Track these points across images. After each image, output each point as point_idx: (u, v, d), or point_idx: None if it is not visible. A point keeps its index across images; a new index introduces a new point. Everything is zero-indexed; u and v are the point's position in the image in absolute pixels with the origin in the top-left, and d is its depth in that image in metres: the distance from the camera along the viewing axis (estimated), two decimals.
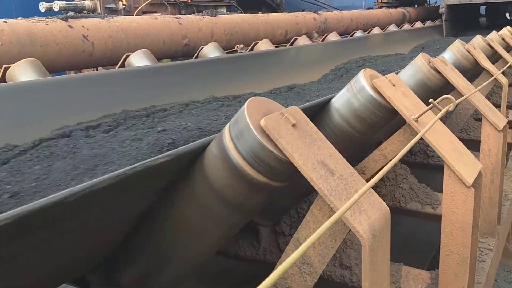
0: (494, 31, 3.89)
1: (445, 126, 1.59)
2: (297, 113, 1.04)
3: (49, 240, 0.74)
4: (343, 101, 1.63)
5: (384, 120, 1.61)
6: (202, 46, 3.74)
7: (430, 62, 2.16)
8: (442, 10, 7.97)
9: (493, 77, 2.31)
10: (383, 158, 1.67)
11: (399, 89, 1.63)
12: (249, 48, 4.24)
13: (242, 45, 4.30)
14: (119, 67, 3.24)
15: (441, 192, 1.46)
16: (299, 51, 4.14)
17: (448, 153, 1.43)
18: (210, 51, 3.71)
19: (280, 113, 0.98)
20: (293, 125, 1.00)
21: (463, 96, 2.17)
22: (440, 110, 1.51)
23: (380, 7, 11.98)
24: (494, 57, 3.67)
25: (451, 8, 8.07)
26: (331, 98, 1.73)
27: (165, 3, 8.83)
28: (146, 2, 8.42)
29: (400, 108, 1.51)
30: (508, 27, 4.57)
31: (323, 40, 5.60)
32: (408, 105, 1.55)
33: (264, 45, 4.23)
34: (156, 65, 2.77)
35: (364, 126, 1.58)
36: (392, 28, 7.36)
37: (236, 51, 4.32)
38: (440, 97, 1.56)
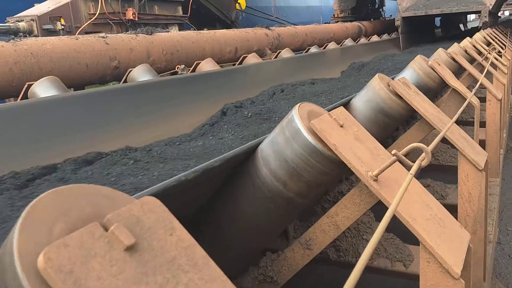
0: (455, 43, 3.57)
1: (418, 182, 1.12)
2: None
3: None
4: (272, 148, 1.15)
5: (330, 176, 1.13)
6: (130, 69, 3.21)
7: (389, 85, 1.72)
8: (397, 22, 7.78)
9: (467, 100, 1.90)
10: (334, 227, 1.19)
11: (350, 131, 1.16)
12: (191, 68, 3.74)
13: (183, 66, 3.81)
14: (21, 99, 2.66)
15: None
16: (245, 71, 3.68)
17: (425, 229, 0.96)
18: (140, 73, 3.18)
19: None
20: None
21: (430, 125, 1.76)
22: (408, 160, 1.04)
23: (337, 22, 11.83)
24: (459, 71, 3.33)
25: (406, 21, 7.90)
26: (259, 143, 1.24)
27: (110, 22, 8.23)
28: (89, 22, 7.81)
29: (351, 161, 1.04)
30: (468, 38, 4.29)
31: (275, 57, 5.19)
32: (362, 155, 1.08)
33: (207, 65, 3.74)
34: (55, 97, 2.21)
35: (300, 185, 1.10)
36: (348, 42, 7.07)
37: (176, 72, 3.82)
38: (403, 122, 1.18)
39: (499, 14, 17.05)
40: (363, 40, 7.68)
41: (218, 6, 10.61)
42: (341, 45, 6.91)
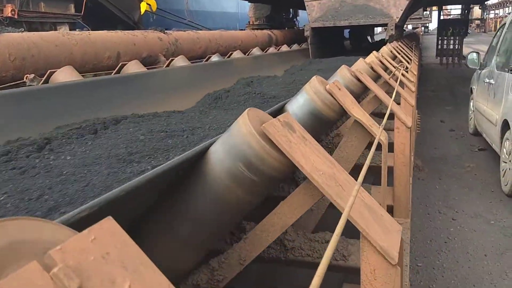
0: (361, 59, 3.15)
1: None
2: None
3: None
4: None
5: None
6: None
7: (263, 133, 1.15)
8: (307, 33, 7.48)
9: (376, 140, 1.38)
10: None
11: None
12: (43, 79, 2.92)
13: (33, 75, 2.98)
14: None
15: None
16: (114, 82, 2.94)
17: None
18: None
19: None
20: None
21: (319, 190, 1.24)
22: None
23: (252, 29, 11.41)
24: (365, 90, 2.91)
25: (316, 31, 7.63)
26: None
27: None
28: None
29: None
30: (375, 52, 3.96)
31: (167, 65, 4.49)
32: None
33: (64, 75, 2.95)
34: None
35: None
36: (256, 51, 6.58)
37: (25, 83, 2.98)
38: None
39: (403, 27, 17.88)
40: (272, 49, 7.26)
41: (118, 5, 9.65)
42: (248, 54, 6.39)
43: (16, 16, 7.47)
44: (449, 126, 7.98)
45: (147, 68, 3.89)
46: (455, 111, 9.29)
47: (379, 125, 1.90)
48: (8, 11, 7.28)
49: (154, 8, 14.01)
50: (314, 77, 1.77)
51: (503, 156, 4.86)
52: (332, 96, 1.71)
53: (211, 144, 1.16)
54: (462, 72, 15.52)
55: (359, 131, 1.77)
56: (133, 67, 3.68)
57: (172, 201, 1.14)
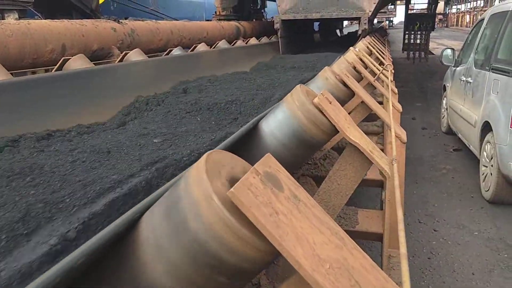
0: (343, 58, 2.75)
1: None
2: None
3: None
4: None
5: None
6: None
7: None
8: (277, 25, 7.04)
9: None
10: None
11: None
12: None
13: None
14: None
15: None
16: (51, 81, 2.41)
17: None
18: None
19: None
20: None
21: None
22: None
23: (219, 20, 10.86)
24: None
25: (286, 24, 7.20)
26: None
27: None
28: None
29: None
30: (352, 49, 3.57)
31: (120, 60, 3.96)
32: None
33: None
34: None
35: None
36: (223, 44, 6.09)
37: None
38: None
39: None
40: (239, 42, 6.78)
41: None
42: (213, 47, 5.90)
43: None
44: (420, 123, 7.78)
45: (94, 64, 3.35)
46: (425, 108, 9.13)
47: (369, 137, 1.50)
48: None
49: None
50: (297, 87, 1.33)
51: (483, 159, 4.62)
52: (322, 112, 1.28)
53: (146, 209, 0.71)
54: (429, 67, 15.57)
55: (356, 158, 1.35)
56: (77, 63, 3.14)
57: None
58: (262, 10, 15.81)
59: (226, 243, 0.61)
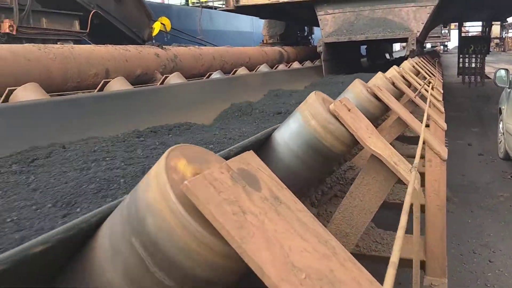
0: (380, 73, 2.62)
1: None
2: None
3: None
4: None
5: None
6: None
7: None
8: (319, 48, 6.97)
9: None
10: None
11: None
12: (2, 98, 2.46)
13: None
14: None
15: None
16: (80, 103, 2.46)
17: None
18: None
19: None
20: None
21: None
22: None
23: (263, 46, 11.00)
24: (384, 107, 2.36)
25: (329, 47, 7.11)
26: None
27: None
28: None
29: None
30: (395, 67, 3.42)
31: (161, 83, 4.02)
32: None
33: (26, 93, 2.48)
34: None
35: None
36: (264, 68, 6.10)
37: None
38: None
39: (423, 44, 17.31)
40: (281, 66, 6.77)
41: (126, 22, 9.34)
42: (255, 71, 5.92)
43: (14, 33, 7.14)
44: (477, 149, 7.31)
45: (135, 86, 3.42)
46: (482, 134, 8.61)
47: (406, 160, 1.35)
48: (5, 27, 6.95)
49: (168, 28, 13.78)
50: (312, 93, 1.23)
51: None
52: (339, 120, 1.17)
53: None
54: (485, 92, 14.80)
55: (379, 171, 1.21)
56: (116, 85, 3.21)
57: None
58: (309, 37, 15.86)
59: (178, 242, 0.52)
